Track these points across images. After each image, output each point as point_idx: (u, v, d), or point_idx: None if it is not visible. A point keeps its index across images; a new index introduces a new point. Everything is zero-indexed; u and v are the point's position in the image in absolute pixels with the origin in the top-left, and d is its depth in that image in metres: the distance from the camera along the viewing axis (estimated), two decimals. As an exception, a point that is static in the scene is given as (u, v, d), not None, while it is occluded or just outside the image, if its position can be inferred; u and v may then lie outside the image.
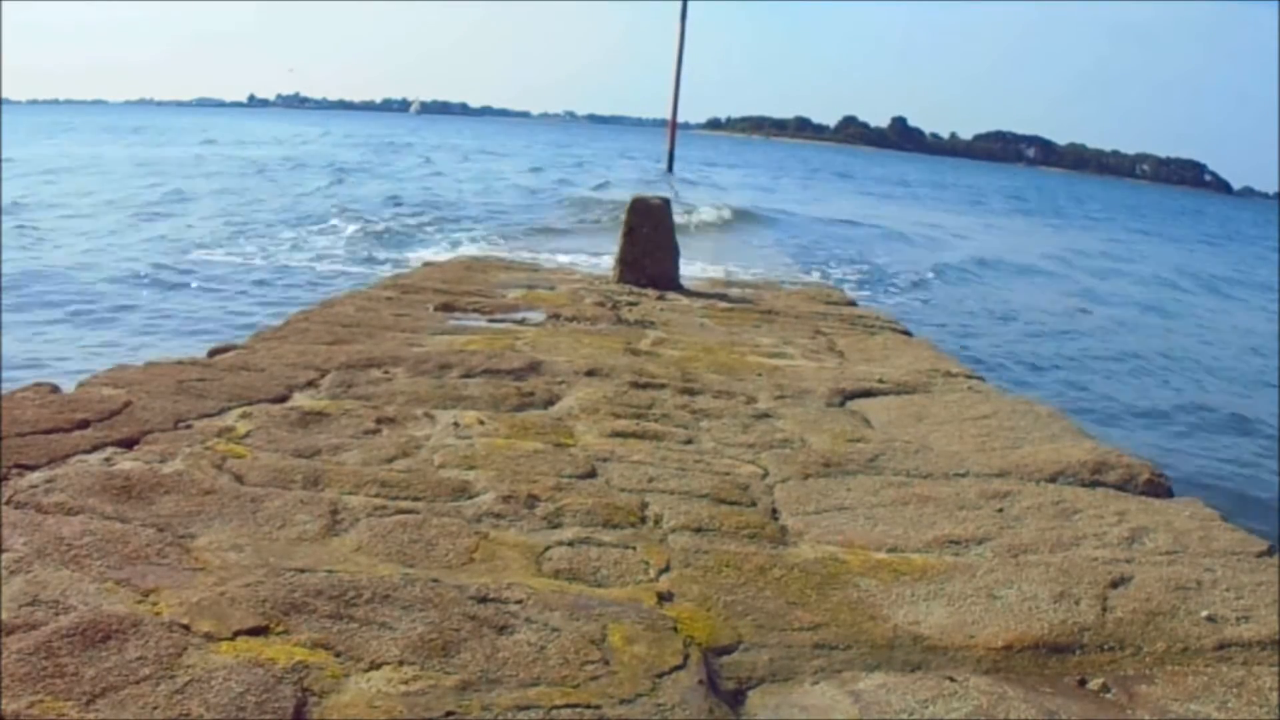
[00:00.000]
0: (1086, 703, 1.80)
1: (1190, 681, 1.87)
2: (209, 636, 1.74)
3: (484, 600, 1.96)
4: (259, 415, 3.14)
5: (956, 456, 3.21)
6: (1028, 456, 3.20)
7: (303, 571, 2.02)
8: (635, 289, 6.85)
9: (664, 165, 35.74)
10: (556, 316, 5.56)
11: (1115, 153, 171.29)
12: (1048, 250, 23.29)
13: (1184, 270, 23.83)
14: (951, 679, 1.82)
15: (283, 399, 3.39)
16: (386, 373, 3.84)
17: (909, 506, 2.72)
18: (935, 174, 77.49)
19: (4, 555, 1.96)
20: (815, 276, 12.39)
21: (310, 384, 3.61)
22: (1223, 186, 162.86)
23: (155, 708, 1.51)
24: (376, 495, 2.53)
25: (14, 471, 2.44)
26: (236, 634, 1.75)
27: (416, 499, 2.52)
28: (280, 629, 1.78)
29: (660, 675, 1.74)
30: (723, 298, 7.02)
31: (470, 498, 2.56)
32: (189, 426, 2.98)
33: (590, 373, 4.07)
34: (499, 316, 5.49)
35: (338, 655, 1.72)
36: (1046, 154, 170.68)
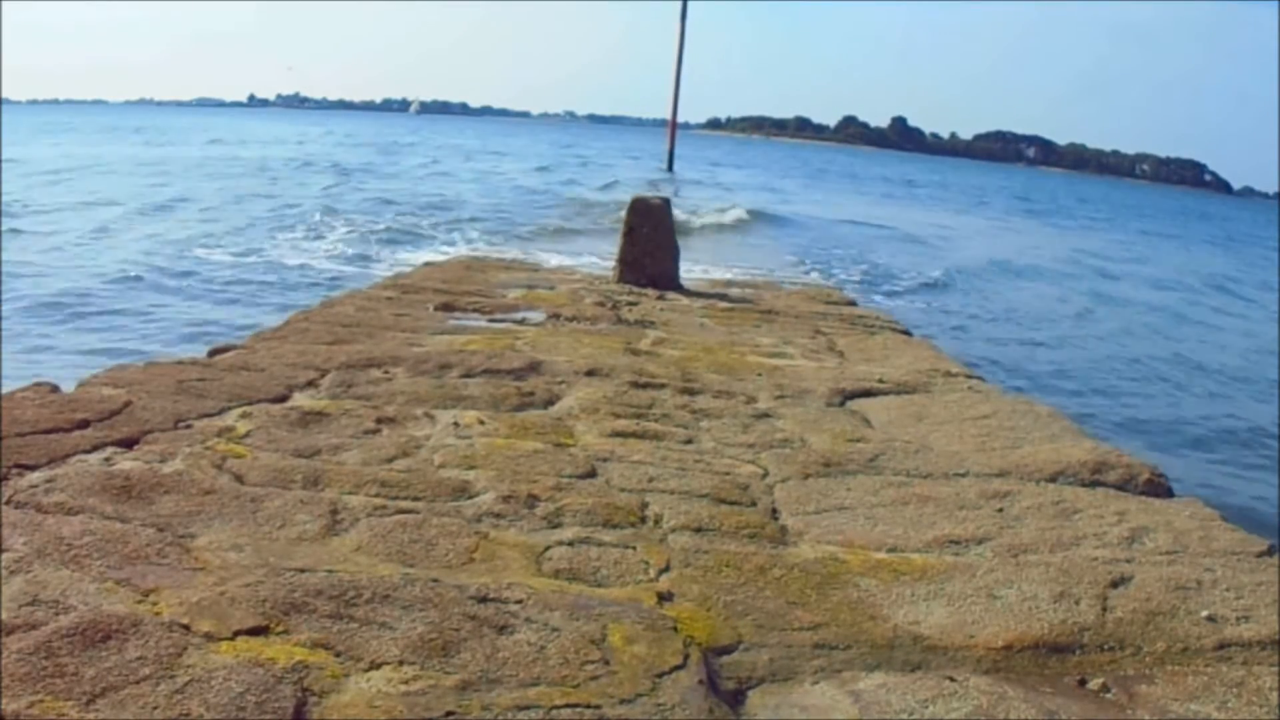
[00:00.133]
0: (1086, 703, 1.80)
1: (1190, 681, 1.87)
2: (209, 636, 1.74)
3: (484, 600, 1.96)
4: (259, 415, 3.14)
5: (956, 456, 3.21)
6: (1028, 456, 3.20)
7: (303, 571, 2.02)
8: (635, 289, 6.85)
9: (664, 165, 35.74)
10: (556, 316, 5.56)
11: (1115, 153, 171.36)
12: (1057, 253, 23.38)
13: (1193, 271, 23.86)
14: (951, 679, 1.82)
15: (283, 399, 3.39)
16: (386, 373, 3.84)
17: (909, 506, 2.72)
18: (937, 174, 77.51)
19: (4, 555, 1.96)
20: (814, 276, 12.38)
21: (310, 384, 3.61)
22: (1223, 186, 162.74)
23: (155, 708, 1.51)
24: (376, 495, 2.53)
25: (14, 471, 2.44)
26: (236, 634, 1.75)
27: (416, 499, 2.52)
28: (280, 629, 1.79)
29: (660, 675, 1.74)
30: (723, 297, 7.02)
31: (470, 498, 2.56)
32: (189, 426, 2.98)
33: (590, 373, 4.07)
34: (499, 316, 5.49)
35: (338, 655, 1.72)
36: (1046, 154, 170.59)
